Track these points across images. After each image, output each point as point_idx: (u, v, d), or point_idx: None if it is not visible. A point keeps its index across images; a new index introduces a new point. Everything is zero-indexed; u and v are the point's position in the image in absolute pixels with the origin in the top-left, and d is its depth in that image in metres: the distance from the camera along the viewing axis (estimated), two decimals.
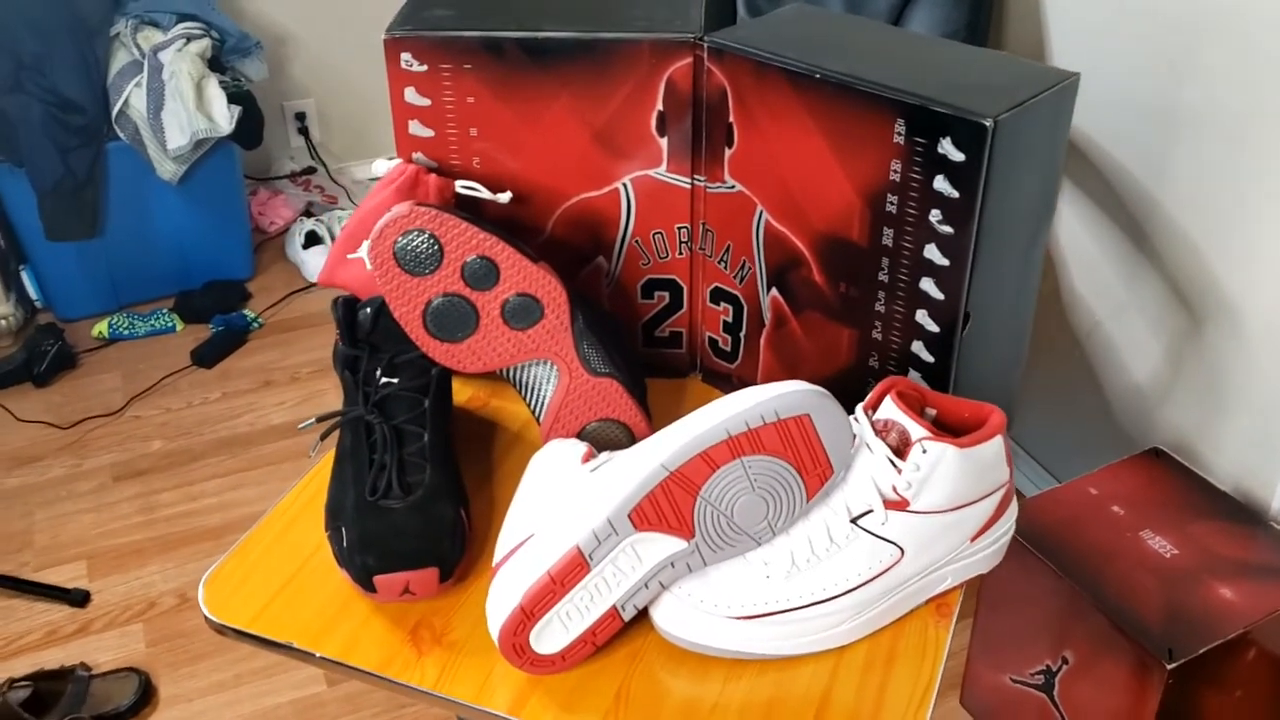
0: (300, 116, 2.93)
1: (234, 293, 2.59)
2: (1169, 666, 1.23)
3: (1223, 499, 1.44)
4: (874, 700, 0.81)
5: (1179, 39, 1.44)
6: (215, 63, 2.41)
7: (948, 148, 0.83)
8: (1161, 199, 1.52)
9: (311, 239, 2.68)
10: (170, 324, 2.51)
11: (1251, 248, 1.41)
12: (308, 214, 2.84)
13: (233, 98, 2.35)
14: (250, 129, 2.42)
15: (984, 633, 1.52)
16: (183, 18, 2.39)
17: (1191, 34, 1.42)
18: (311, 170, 2.97)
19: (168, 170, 2.37)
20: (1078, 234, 1.68)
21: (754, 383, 1.07)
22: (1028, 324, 1.01)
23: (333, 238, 2.71)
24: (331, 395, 2.31)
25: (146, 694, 1.66)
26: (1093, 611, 1.31)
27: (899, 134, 0.85)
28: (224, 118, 2.32)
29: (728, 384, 1.10)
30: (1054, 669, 1.40)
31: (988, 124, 0.81)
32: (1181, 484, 1.47)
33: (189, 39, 2.35)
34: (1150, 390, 1.63)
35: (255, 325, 2.52)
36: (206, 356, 2.41)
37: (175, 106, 2.29)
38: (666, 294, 1.08)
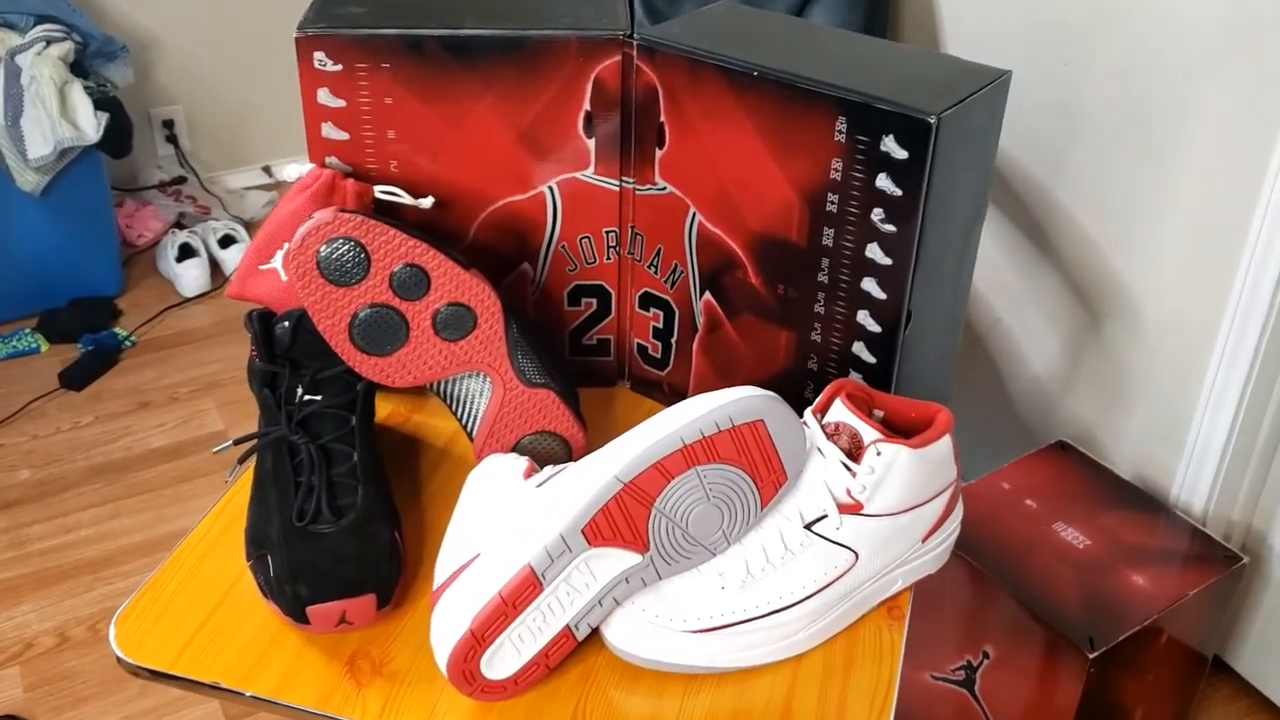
0: (168, 124, 2.80)
1: (102, 310, 2.46)
2: (1090, 656, 1.25)
3: (1127, 489, 1.48)
4: (836, 707, 0.79)
5: (1073, 39, 1.48)
6: (78, 67, 2.28)
7: (890, 145, 0.82)
8: (1059, 195, 1.56)
9: (185, 251, 2.56)
10: (34, 345, 2.36)
11: (1148, 241, 1.46)
12: (179, 225, 2.72)
13: (99, 104, 2.23)
14: (118, 137, 2.29)
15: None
16: (41, 19, 2.26)
17: (1085, 34, 1.46)
18: (182, 180, 2.84)
19: (29, 181, 2.23)
20: None
21: (685, 390, 1.05)
22: (961, 320, 1.01)
23: (208, 249, 2.59)
24: (214, 415, 2.20)
25: None
26: (1012, 605, 1.33)
27: (840, 132, 0.84)
28: (90, 125, 2.20)
29: (658, 392, 1.07)
30: (975, 664, 1.42)
31: (931, 121, 0.80)
32: (1088, 475, 1.50)
33: (49, 42, 2.22)
34: (1051, 384, 1.67)
35: (127, 344, 2.39)
36: (75, 378, 2.27)
37: (37, 114, 2.15)
38: (594, 300, 1.05)
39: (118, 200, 2.70)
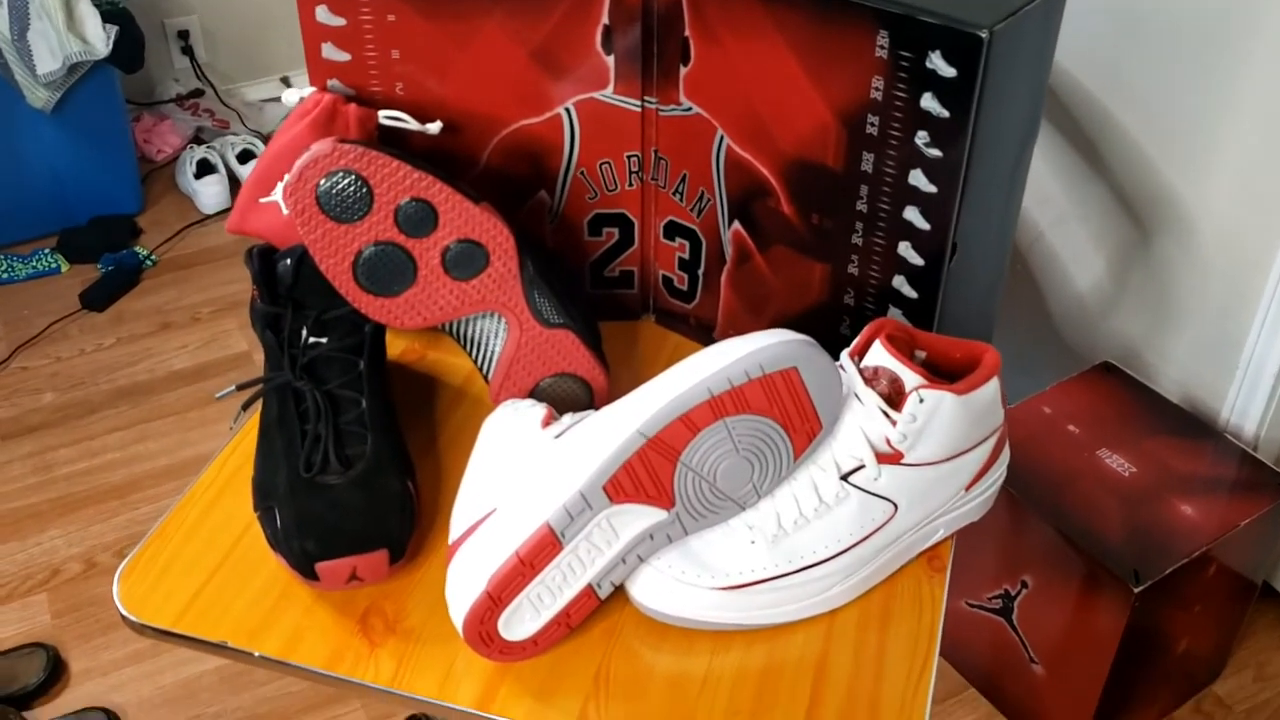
0: (183, 35, 2.72)
1: (122, 228, 2.42)
2: (1136, 589, 1.21)
3: (1174, 412, 1.42)
4: (873, 663, 0.76)
5: None
6: None
7: (937, 62, 0.75)
8: (1111, 104, 1.47)
9: (204, 168, 2.51)
10: (54, 265, 2.33)
11: (1208, 155, 1.37)
12: (198, 140, 2.66)
13: (107, 16, 2.16)
14: (129, 50, 2.23)
15: None
16: None
17: None
18: (199, 93, 2.76)
19: (39, 98, 2.18)
20: None
21: (712, 324, 0.99)
22: (1008, 251, 0.95)
23: (226, 165, 2.54)
24: (237, 335, 2.17)
25: (56, 669, 1.55)
26: (1053, 535, 1.28)
27: (881, 47, 0.77)
28: (99, 39, 2.13)
29: (684, 325, 1.02)
30: (1013, 593, 1.38)
31: (983, 35, 0.73)
32: (1133, 399, 1.44)
33: None
34: (1096, 303, 1.59)
35: (148, 263, 2.35)
36: (97, 299, 2.24)
37: (43, 27, 2.08)
38: (616, 230, 0.99)
39: (135, 115, 2.64)
